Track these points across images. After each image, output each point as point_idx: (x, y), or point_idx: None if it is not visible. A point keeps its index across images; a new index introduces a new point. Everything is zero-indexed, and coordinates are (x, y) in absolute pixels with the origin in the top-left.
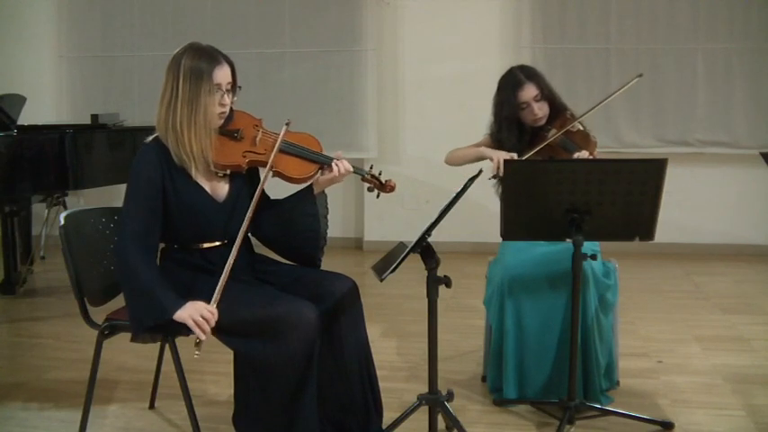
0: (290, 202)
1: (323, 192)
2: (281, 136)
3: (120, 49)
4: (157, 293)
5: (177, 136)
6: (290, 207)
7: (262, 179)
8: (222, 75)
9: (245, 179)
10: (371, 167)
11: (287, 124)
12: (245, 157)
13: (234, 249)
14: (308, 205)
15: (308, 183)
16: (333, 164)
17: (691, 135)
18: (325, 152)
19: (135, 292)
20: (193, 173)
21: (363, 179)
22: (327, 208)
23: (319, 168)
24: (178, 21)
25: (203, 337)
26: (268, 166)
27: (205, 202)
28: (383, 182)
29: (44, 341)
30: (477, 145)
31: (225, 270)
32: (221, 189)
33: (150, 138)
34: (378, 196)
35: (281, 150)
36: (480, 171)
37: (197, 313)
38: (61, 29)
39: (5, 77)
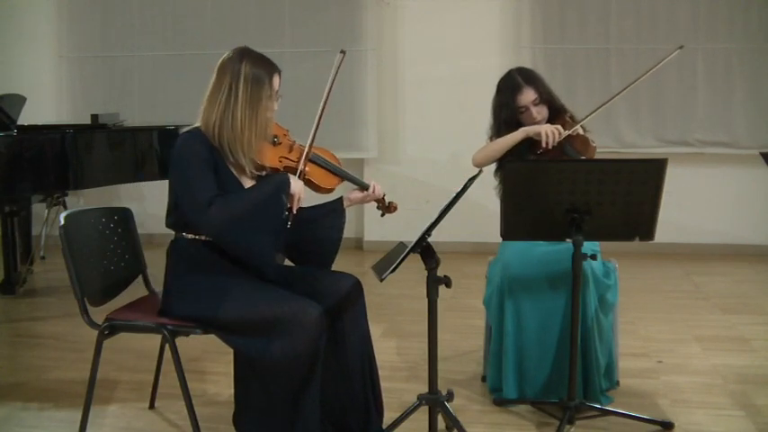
0: (319, 212)
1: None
2: (334, 68)
3: (120, 49)
4: (267, 182)
5: (236, 135)
6: (319, 216)
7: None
8: (277, 82)
9: None
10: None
11: (342, 52)
12: (281, 161)
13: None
14: (336, 218)
15: (329, 194)
16: (371, 187)
17: (691, 135)
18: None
19: (252, 213)
20: (247, 170)
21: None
22: (345, 221)
23: (340, 182)
24: (178, 21)
25: (295, 211)
26: (299, 172)
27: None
28: (387, 203)
29: (44, 341)
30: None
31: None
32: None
33: (189, 128)
34: (382, 215)
35: (311, 161)
36: (480, 171)
37: (302, 189)
38: (61, 29)
39: (5, 77)
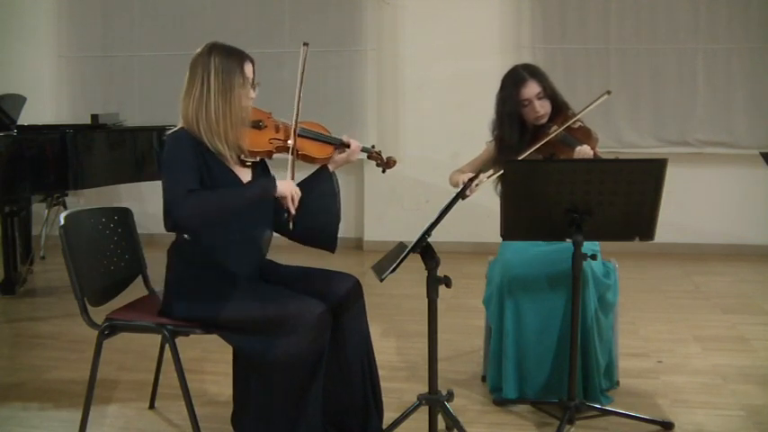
0: (308, 184)
1: (333, 171)
2: (301, 59)
3: (120, 49)
4: (250, 188)
5: (212, 126)
6: (309, 189)
7: (289, 163)
8: (249, 70)
9: (264, 167)
10: (373, 146)
11: (305, 45)
12: (271, 143)
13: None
14: (326, 184)
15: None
16: (347, 141)
17: (691, 135)
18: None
19: (227, 216)
20: (230, 160)
21: (370, 156)
22: (338, 185)
23: (335, 149)
24: (178, 21)
25: (294, 211)
26: (291, 149)
27: (237, 186)
28: (385, 159)
29: (44, 341)
30: (476, 159)
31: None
32: (247, 176)
33: (174, 129)
34: (383, 171)
35: (299, 135)
36: (480, 171)
37: (294, 189)
38: (61, 28)
39: (5, 77)
